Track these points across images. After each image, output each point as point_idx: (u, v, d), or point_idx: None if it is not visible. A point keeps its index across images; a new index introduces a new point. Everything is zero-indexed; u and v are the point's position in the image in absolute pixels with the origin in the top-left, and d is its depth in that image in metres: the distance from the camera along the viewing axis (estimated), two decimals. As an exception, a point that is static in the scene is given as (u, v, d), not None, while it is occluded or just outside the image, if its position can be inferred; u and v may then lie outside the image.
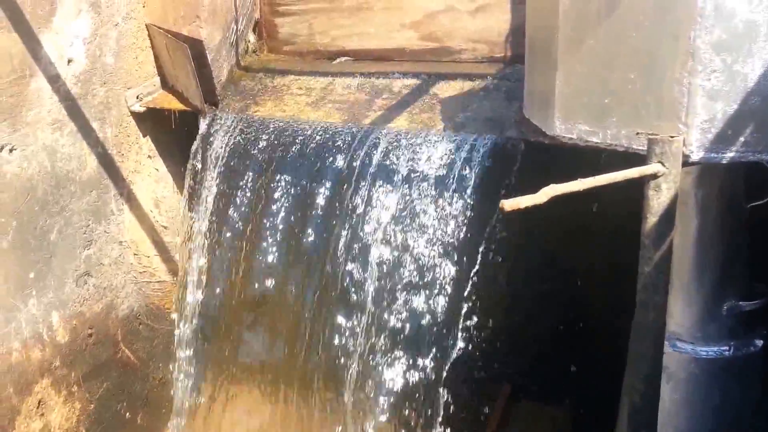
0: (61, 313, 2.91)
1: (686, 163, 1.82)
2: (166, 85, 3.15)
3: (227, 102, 3.03)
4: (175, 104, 3.06)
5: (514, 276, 2.96)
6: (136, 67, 3.09)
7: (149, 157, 3.21)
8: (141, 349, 3.31)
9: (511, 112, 2.66)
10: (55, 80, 2.77)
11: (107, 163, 3.03)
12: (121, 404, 3.23)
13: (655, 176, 1.76)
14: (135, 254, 3.22)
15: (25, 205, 2.72)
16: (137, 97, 3.09)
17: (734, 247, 2.20)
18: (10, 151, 2.64)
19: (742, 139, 1.78)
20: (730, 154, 1.81)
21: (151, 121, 3.15)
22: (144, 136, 3.18)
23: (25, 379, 2.77)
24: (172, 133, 3.17)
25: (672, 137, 1.77)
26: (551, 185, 1.56)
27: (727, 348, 2.25)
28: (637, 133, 1.92)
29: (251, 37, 3.26)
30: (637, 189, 1.82)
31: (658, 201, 1.78)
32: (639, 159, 1.99)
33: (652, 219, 1.79)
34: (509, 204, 1.49)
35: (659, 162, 1.76)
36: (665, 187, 1.77)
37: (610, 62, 1.94)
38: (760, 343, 2.26)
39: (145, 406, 3.37)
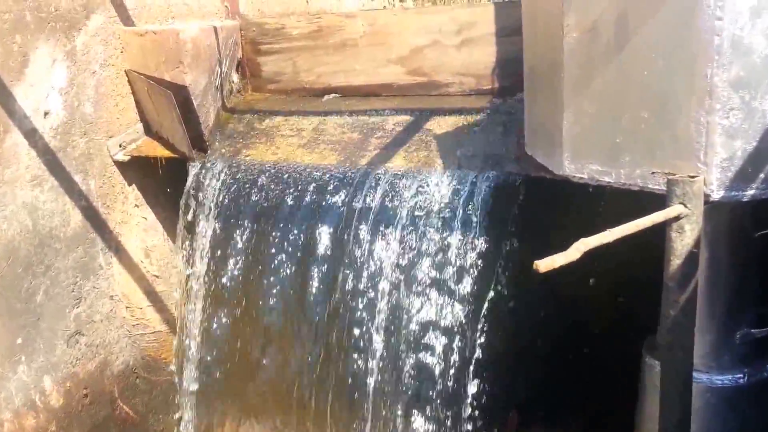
0: (54, 376, 2.80)
1: (706, 202, 1.80)
2: (149, 131, 3.06)
3: (216, 147, 2.95)
4: (161, 151, 2.97)
5: (518, 306, 2.94)
6: (117, 115, 3.00)
7: (136, 206, 3.12)
8: (139, 404, 3.21)
9: (509, 146, 2.63)
10: (31, 135, 2.66)
11: (92, 216, 2.93)
12: (122, 463, 3.14)
13: (677, 218, 1.74)
14: (127, 307, 3.11)
15: (8, 267, 2.60)
16: (120, 146, 2.99)
17: (744, 277, 2.18)
18: (-13, 213, 2.52)
19: (762, 175, 1.76)
20: (750, 192, 1.78)
21: (136, 169, 3.06)
22: (129, 185, 3.08)
23: (19, 450, 2.66)
24: (159, 180, 3.09)
25: (692, 177, 1.74)
26: (582, 240, 1.51)
27: (741, 375, 2.23)
28: (653, 173, 1.89)
29: (235, 77, 3.19)
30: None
31: (681, 243, 1.74)
32: (651, 196, 1.98)
33: (676, 261, 1.75)
34: (544, 264, 1.44)
35: (681, 203, 1.74)
36: (688, 228, 1.74)
37: (621, 101, 1.91)
38: (772, 368, 2.26)
39: (147, 462, 3.28)
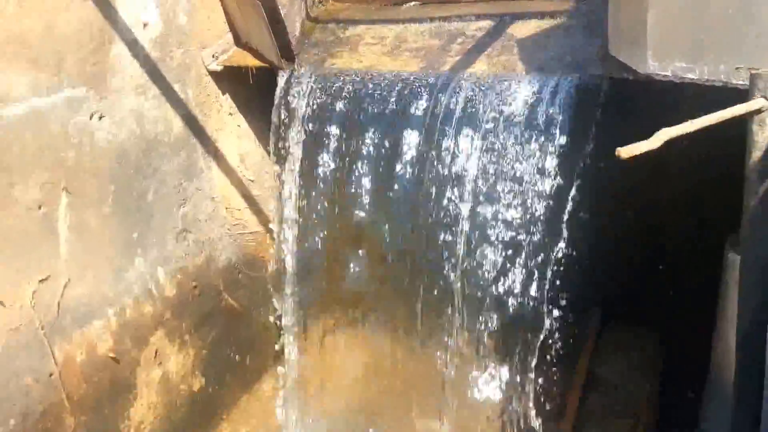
0: (166, 268, 3.04)
1: (788, 96, 1.83)
2: (239, 41, 3.19)
3: (303, 56, 3.06)
4: (252, 61, 3.10)
5: (603, 207, 2.99)
6: (208, 26, 3.12)
7: (230, 114, 3.29)
8: (242, 297, 3.44)
9: (591, 48, 2.66)
10: (133, 45, 2.80)
11: (192, 123, 3.11)
12: (230, 348, 3.39)
13: (759, 111, 1.79)
14: (227, 208, 3.32)
15: (121, 169, 2.80)
16: (213, 56, 3.14)
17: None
18: (100, 118, 2.69)
19: None
20: (832, 87, 1.81)
21: (228, 78, 3.21)
22: (223, 94, 3.24)
23: (141, 333, 2.91)
24: (250, 89, 3.22)
25: (776, 71, 1.77)
26: (663, 129, 1.58)
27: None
28: (737, 68, 1.93)
29: (316, -13, 3.27)
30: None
31: (763, 135, 1.80)
32: (732, 92, 2.01)
33: (756, 153, 1.81)
34: (626, 151, 1.52)
35: (763, 96, 1.78)
36: (770, 122, 1.79)
37: (706, -3, 1.94)
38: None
39: (251, 349, 3.52)
